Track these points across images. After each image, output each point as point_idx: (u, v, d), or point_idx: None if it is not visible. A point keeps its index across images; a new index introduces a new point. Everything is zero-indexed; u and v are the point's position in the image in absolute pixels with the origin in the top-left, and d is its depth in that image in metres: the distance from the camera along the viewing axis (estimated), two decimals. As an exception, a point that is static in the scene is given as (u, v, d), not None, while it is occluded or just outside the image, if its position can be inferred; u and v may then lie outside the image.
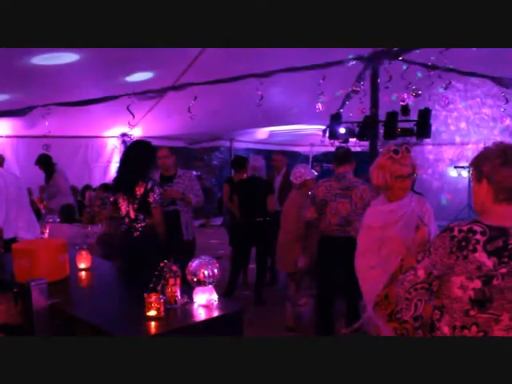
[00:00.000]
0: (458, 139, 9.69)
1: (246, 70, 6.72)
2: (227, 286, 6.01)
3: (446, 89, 6.43)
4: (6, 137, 8.07)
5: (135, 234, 4.30)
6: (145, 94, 7.15)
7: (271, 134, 11.18)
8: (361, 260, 3.18)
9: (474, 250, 1.83)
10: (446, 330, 1.92)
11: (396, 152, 2.96)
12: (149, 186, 4.25)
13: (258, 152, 10.82)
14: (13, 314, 2.78)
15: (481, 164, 1.94)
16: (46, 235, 4.70)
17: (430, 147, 10.38)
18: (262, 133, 11.14)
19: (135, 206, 4.27)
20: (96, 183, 8.39)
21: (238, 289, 6.25)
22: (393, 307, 2.07)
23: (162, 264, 2.53)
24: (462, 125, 8.83)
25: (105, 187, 7.23)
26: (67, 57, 5.79)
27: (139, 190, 4.25)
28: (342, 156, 4.51)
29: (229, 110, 8.10)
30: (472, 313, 1.85)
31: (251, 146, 12.32)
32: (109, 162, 9.46)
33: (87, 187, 7.99)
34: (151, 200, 4.23)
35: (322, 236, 4.47)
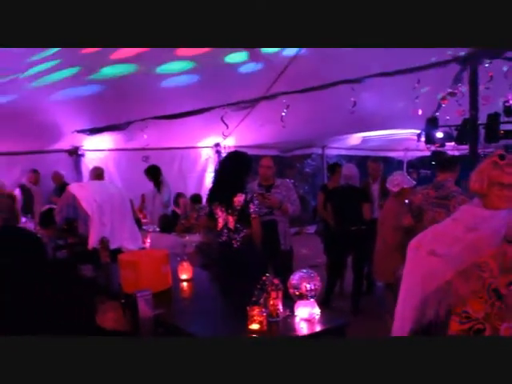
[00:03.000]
0: None
1: (338, 76, 6.64)
2: (324, 295, 5.94)
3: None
4: (109, 150, 8.48)
5: (235, 245, 4.32)
6: (237, 104, 7.26)
7: (364, 140, 10.99)
8: (428, 244, 2.47)
9: None
10: None
11: (502, 157, 2.43)
12: (248, 196, 4.27)
13: (350, 158, 10.67)
14: (121, 323, 2.90)
15: None
16: (148, 245, 4.86)
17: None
18: (355, 138, 10.96)
19: (235, 216, 4.28)
20: (191, 193, 8.57)
21: (334, 298, 6.17)
22: None
23: (264, 277, 2.53)
24: None
25: (196, 198, 7.39)
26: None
27: (238, 201, 4.25)
28: (443, 163, 4.36)
29: (321, 118, 8.04)
30: None
31: (343, 152, 12.13)
32: (203, 171, 9.70)
33: (180, 195, 8.12)
34: (251, 210, 4.23)
35: None
